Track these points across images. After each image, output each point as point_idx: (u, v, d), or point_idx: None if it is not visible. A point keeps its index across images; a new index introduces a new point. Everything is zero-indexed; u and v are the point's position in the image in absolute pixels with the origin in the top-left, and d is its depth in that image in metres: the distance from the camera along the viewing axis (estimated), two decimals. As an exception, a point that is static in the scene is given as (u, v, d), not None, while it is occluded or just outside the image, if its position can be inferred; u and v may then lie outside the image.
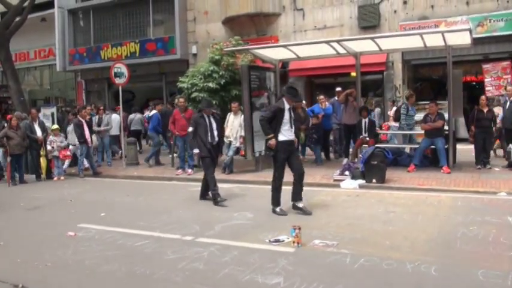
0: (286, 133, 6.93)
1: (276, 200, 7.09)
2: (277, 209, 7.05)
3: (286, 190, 7.24)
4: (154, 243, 5.90)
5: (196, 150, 8.25)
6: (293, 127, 6.98)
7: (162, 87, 20.29)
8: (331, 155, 12.73)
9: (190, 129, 8.24)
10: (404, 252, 5.22)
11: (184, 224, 6.79)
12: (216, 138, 8.23)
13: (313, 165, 11.46)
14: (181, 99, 11.29)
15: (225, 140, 11.13)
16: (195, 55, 18.80)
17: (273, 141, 6.85)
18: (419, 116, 12.59)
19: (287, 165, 7.09)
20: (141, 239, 6.07)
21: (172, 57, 18.82)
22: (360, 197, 8.21)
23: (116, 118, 14.30)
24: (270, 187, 9.44)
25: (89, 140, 12.03)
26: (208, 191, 8.17)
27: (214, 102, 11.41)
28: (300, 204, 6.99)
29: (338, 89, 12.85)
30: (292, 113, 7.01)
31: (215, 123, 8.26)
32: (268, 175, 10.51)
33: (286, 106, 6.91)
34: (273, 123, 6.90)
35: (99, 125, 13.47)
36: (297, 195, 7.03)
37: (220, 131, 8.61)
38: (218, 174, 9.11)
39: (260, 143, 11.10)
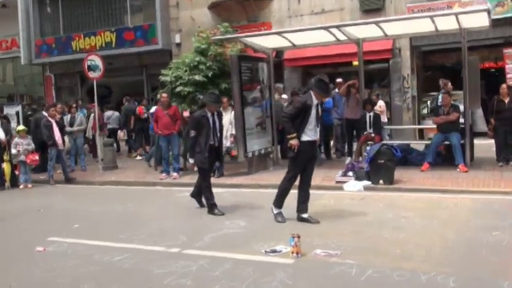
0: (311, 133, 6.73)
1: (279, 202, 7.02)
2: (276, 211, 6.96)
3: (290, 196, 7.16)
4: (135, 257, 5.82)
5: (191, 161, 7.99)
6: (319, 126, 6.81)
7: (143, 81, 20.20)
8: (332, 154, 12.69)
9: (192, 133, 7.72)
10: (417, 262, 5.18)
11: (169, 234, 6.72)
12: (218, 142, 7.90)
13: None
14: (164, 95, 11.22)
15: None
16: (178, 45, 18.71)
17: (295, 141, 6.64)
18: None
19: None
20: (121, 252, 5.99)
21: (153, 48, 18.73)
22: (365, 200, 8.18)
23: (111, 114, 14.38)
24: (265, 191, 9.33)
25: (60, 142, 11.91)
26: (201, 194, 8.09)
27: (201, 97, 11.33)
28: (306, 215, 6.88)
29: (339, 80, 12.84)
30: (319, 110, 6.80)
31: (219, 122, 7.89)
32: (262, 178, 10.62)
33: (314, 101, 6.69)
34: (296, 121, 6.69)
35: (71, 124, 13.36)
36: (303, 205, 6.91)
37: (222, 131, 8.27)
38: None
39: (253, 142, 11.08)
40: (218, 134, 7.86)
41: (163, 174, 11.30)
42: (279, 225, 6.83)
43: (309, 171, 6.93)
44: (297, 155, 6.72)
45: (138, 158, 15.19)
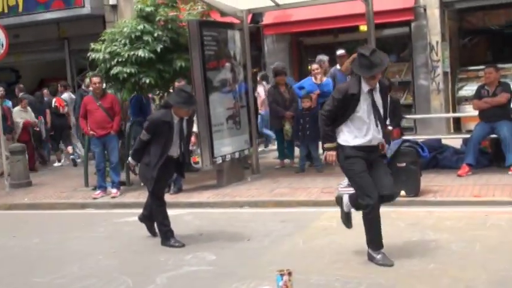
0: (361, 133, 6.43)
1: (379, 238, 6.53)
2: (378, 256, 6.42)
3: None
4: (59, 309, 5.81)
5: (131, 161, 7.90)
6: (378, 125, 6.42)
7: (65, 59, 20.05)
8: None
9: (144, 136, 7.62)
10: (454, 303, 5.26)
11: (108, 276, 6.67)
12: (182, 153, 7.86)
13: (308, 173, 11.51)
14: (95, 79, 11.15)
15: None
16: (114, 7, 18.61)
17: (331, 156, 6.55)
18: (469, 90, 12.72)
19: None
20: (38, 304, 5.96)
21: (78, 12, 18.58)
22: (381, 218, 8.23)
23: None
24: (241, 211, 9.36)
25: None
26: (153, 219, 8.07)
27: (147, 80, 11.33)
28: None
29: (340, 52, 12.87)
30: (376, 99, 6.40)
31: (187, 130, 7.82)
32: (237, 192, 10.62)
33: (365, 88, 6.34)
34: (338, 120, 6.49)
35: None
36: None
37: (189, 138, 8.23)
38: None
39: (223, 143, 11.07)
40: (183, 146, 7.81)
41: (98, 192, 11.25)
42: (262, 259, 6.84)
43: (384, 180, 6.53)
44: (346, 167, 6.59)
45: (56, 164, 15.35)
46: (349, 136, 6.41)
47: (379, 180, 6.46)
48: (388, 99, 6.65)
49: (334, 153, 6.52)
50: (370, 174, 6.44)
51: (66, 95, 15.90)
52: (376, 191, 6.38)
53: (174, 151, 7.69)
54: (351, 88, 6.38)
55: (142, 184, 8.26)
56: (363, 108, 6.33)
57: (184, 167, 8.25)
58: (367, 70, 6.22)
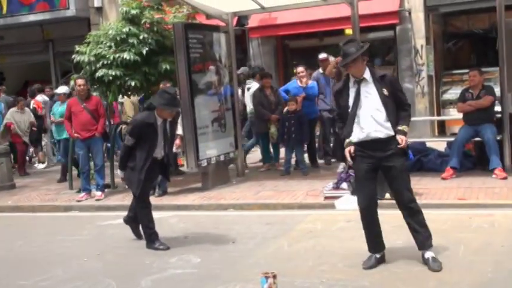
0: (358, 127, 6.21)
1: (370, 243, 6.49)
2: (368, 257, 6.41)
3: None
4: (42, 313, 5.78)
5: (120, 173, 7.91)
6: (376, 117, 6.13)
7: (49, 61, 20.02)
8: (319, 159, 12.82)
9: (129, 141, 7.57)
10: (438, 305, 5.26)
11: (92, 279, 6.65)
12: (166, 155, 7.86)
13: (293, 176, 11.52)
14: (80, 81, 11.11)
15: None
16: (99, 10, 18.59)
17: (347, 150, 6.29)
18: (454, 93, 12.78)
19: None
20: (21, 307, 5.93)
21: (63, 14, 18.55)
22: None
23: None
24: (226, 214, 9.36)
25: None
26: (138, 221, 8.05)
27: (133, 83, 11.32)
28: (427, 255, 6.32)
29: (322, 55, 12.85)
30: (367, 89, 6.17)
31: (170, 132, 7.84)
32: (222, 195, 10.60)
33: (368, 77, 6.16)
34: (344, 117, 6.36)
35: None
36: (417, 241, 6.43)
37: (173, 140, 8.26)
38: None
39: (208, 145, 11.06)
40: (167, 147, 7.82)
41: (83, 194, 11.20)
42: (247, 262, 6.83)
43: (396, 185, 6.34)
44: (353, 165, 6.44)
45: (40, 166, 15.35)
46: (353, 133, 6.26)
47: (390, 187, 6.44)
48: (393, 90, 6.24)
49: (351, 149, 6.29)
50: (385, 175, 6.34)
51: (39, 98, 15.78)
52: (368, 197, 6.31)
53: (159, 153, 7.69)
54: (337, 84, 6.43)
55: (127, 187, 8.22)
56: (354, 102, 6.18)
57: (168, 168, 8.26)
58: (342, 60, 6.17)
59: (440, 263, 6.10)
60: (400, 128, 6.14)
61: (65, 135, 12.42)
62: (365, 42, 6.40)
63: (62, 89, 13.29)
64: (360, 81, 6.14)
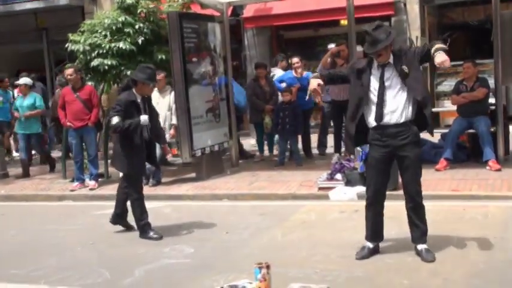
0: (388, 110, 6.09)
1: (369, 231, 6.47)
2: (364, 244, 6.41)
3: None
4: (35, 302, 5.77)
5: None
6: (408, 101, 6.05)
7: (43, 50, 19.97)
8: (314, 150, 12.81)
9: (115, 120, 7.46)
10: (431, 296, 5.28)
11: (85, 268, 6.65)
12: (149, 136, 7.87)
13: (288, 166, 11.51)
14: (69, 71, 11.05)
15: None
16: (94, -1, 18.56)
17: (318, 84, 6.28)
18: (448, 85, 12.78)
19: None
20: (15, 296, 5.91)
21: (57, 3, 18.49)
22: (360, 213, 8.17)
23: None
24: (220, 204, 9.35)
25: None
26: (125, 214, 8.04)
27: (128, 73, 11.25)
28: (420, 247, 6.32)
29: (330, 46, 12.53)
30: (401, 71, 6.03)
31: (149, 109, 7.83)
32: (216, 185, 10.60)
33: (391, 60, 6.08)
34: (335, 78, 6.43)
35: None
36: (413, 234, 6.44)
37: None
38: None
39: (202, 136, 11.05)
40: (150, 127, 7.82)
41: (76, 184, 11.19)
42: (240, 252, 6.84)
43: (406, 177, 6.30)
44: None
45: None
46: (371, 118, 6.18)
47: (402, 177, 6.37)
48: (410, 57, 6.11)
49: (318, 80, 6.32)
50: (399, 164, 6.27)
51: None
52: (375, 189, 6.30)
53: (144, 131, 7.72)
54: (357, 62, 6.38)
55: (121, 176, 8.22)
56: (379, 86, 6.09)
57: (154, 152, 8.25)
58: (369, 47, 6.05)
59: (433, 254, 6.13)
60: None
61: (29, 131, 12.65)
62: (391, 27, 6.29)
63: (24, 80, 13.07)
64: (384, 65, 6.07)
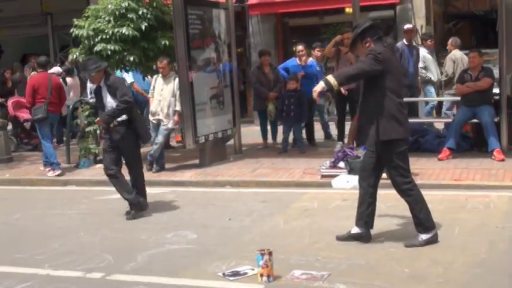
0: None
1: (425, 222, 6.40)
2: (426, 237, 6.32)
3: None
4: (40, 286, 5.78)
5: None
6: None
7: (48, 35, 19.98)
8: (317, 138, 12.81)
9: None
10: (433, 285, 5.28)
11: (89, 253, 6.68)
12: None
13: (291, 154, 11.53)
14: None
15: (151, 118, 11.02)
16: (98, -17, 18.47)
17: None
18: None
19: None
20: (19, 280, 5.93)
21: (62, -12, 18.48)
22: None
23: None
24: (223, 191, 9.36)
25: None
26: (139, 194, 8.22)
27: (131, 58, 11.26)
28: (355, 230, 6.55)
29: (407, 26, 12.31)
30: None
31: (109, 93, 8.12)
32: (219, 172, 10.61)
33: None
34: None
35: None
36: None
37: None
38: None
39: (206, 123, 11.05)
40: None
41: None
42: (243, 239, 6.87)
43: None
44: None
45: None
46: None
47: None
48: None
49: None
50: None
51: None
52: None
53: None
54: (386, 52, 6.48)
55: (124, 162, 8.28)
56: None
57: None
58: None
59: (414, 242, 6.24)
60: None
61: None
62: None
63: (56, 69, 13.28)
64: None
